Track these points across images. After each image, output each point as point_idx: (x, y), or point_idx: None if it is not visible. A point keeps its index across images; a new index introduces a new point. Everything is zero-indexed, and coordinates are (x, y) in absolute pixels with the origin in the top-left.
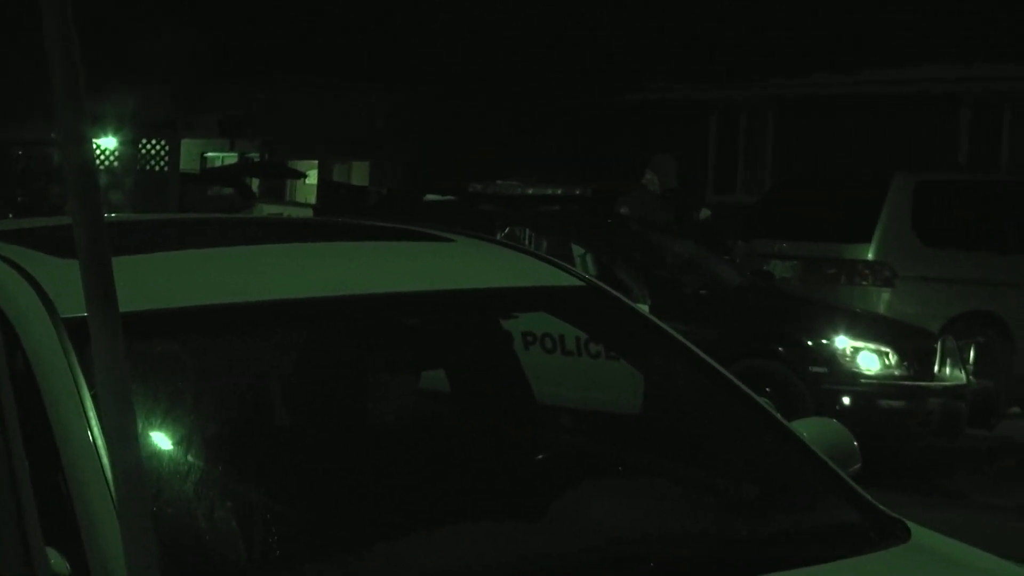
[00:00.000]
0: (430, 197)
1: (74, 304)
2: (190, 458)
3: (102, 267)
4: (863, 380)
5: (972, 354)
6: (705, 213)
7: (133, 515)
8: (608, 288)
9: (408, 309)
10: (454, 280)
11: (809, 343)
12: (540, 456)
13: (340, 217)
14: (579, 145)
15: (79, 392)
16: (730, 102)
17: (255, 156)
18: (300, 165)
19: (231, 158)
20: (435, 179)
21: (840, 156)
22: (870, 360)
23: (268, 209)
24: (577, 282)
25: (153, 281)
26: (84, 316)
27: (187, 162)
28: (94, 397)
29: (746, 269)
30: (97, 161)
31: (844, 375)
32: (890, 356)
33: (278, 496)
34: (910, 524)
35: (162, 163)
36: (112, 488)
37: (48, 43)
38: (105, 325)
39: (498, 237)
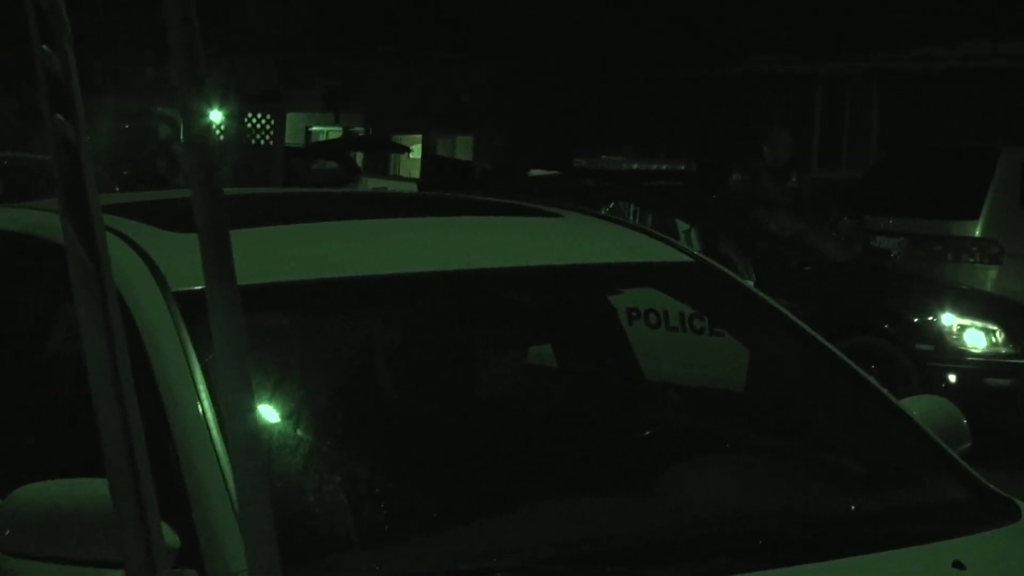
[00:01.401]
0: (535, 172)
1: (185, 277)
2: (299, 432)
3: (221, 242)
4: (970, 358)
5: None
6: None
7: (250, 491)
8: (715, 263)
9: (516, 284)
10: (562, 255)
11: (915, 320)
12: (646, 432)
13: (445, 191)
14: (681, 120)
15: (190, 366)
16: (835, 75)
17: (359, 130)
18: (404, 139)
19: (336, 132)
20: (540, 154)
21: (947, 130)
22: (977, 338)
23: (372, 183)
24: (685, 258)
25: (264, 255)
26: (195, 289)
27: (292, 136)
28: (204, 371)
29: (858, 246)
30: None
31: (950, 353)
32: (997, 334)
33: (386, 471)
34: (1020, 503)
35: (267, 137)
36: (223, 463)
37: (165, 13)
38: (224, 300)
39: (602, 212)
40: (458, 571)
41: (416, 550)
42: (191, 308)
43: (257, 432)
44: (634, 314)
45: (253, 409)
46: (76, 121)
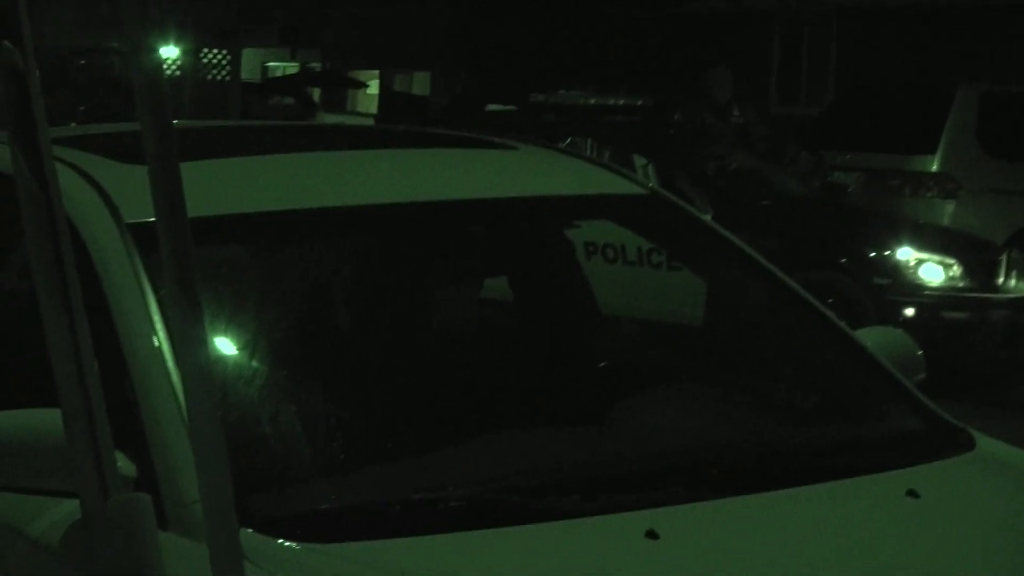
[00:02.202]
0: (492, 107)
1: (139, 209)
2: (254, 363)
3: (170, 172)
4: (927, 292)
5: None
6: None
7: (202, 420)
8: (671, 196)
9: (472, 216)
10: (518, 187)
11: (872, 254)
12: (601, 364)
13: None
14: (640, 56)
15: (144, 298)
16: (793, 12)
17: (316, 66)
18: (361, 75)
19: (292, 68)
20: (496, 89)
21: (905, 67)
22: (934, 272)
23: (330, 119)
24: (640, 190)
25: (218, 187)
26: (149, 221)
27: (249, 72)
28: (159, 302)
29: (815, 181)
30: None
31: (908, 287)
32: (954, 268)
33: (341, 402)
34: (975, 433)
35: (224, 73)
36: (178, 394)
37: None
38: (173, 230)
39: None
40: (413, 500)
41: (371, 479)
42: (145, 240)
43: (209, 363)
44: (591, 248)
45: (205, 340)
46: (24, 48)
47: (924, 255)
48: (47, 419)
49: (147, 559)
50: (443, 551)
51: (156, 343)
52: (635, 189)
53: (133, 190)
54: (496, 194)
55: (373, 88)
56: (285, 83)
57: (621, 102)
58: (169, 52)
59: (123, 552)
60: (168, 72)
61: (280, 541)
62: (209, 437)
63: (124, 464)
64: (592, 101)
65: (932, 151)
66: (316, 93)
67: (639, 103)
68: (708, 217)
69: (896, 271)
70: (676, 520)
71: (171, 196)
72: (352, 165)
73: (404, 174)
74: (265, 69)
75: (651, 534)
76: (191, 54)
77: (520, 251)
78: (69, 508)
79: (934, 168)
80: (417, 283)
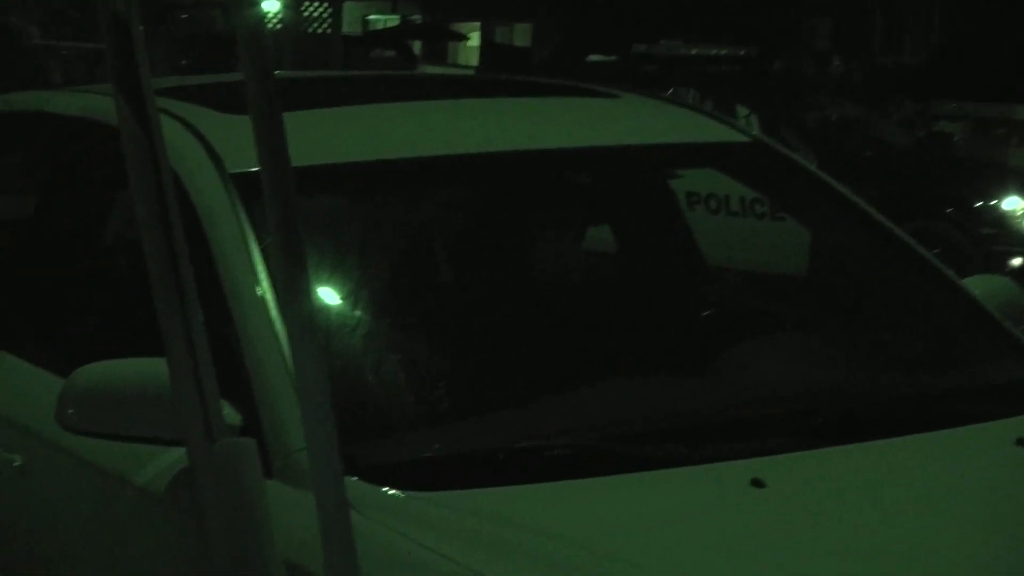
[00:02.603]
0: (593, 58)
1: (241, 159)
2: (358, 313)
3: (273, 122)
4: None
5: None
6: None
7: (308, 369)
8: (776, 144)
9: (575, 165)
10: (621, 136)
11: (978, 204)
12: (706, 313)
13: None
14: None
15: (248, 248)
16: None
17: (417, 19)
18: (462, 27)
19: (393, 20)
20: (597, 40)
21: (1013, 13)
22: None
23: (430, 71)
24: (745, 138)
25: (320, 136)
26: (251, 171)
27: (349, 25)
28: (262, 252)
29: (920, 130)
30: None
31: (1014, 236)
32: None
33: (444, 351)
34: None
35: (325, 26)
36: (282, 343)
37: None
38: (277, 179)
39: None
40: (516, 448)
41: (474, 428)
42: (247, 190)
43: (313, 312)
44: (694, 199)
45: (309, 290)
46: None
47: None
48: (155, 368)
49: (253, 503)
50: (546, 500)
51: (260, 292)
52: (740, 137)
53: (235, 140)
54: (599, 142)
55: (473, 40)
56: (386, 36)
57: (723, 52)
58: (270, 6)
59: (229, 497)
60: (269, 26)
61: (384, 489)
62: (315, 386)
63: (229, 413)
64: (694, 51)
65: None
66: (417, 45)
67: (741, 53)
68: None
69: (1002, 221)
70: (782, 468)
71: (274, 146)
72: (454, 114)
73: (506, 123)
74: (366, 22)
75: (756, 482)
76: (292, 7)
77: (623, 200)
78: (173, 457)
79: None
80: (520, 232)
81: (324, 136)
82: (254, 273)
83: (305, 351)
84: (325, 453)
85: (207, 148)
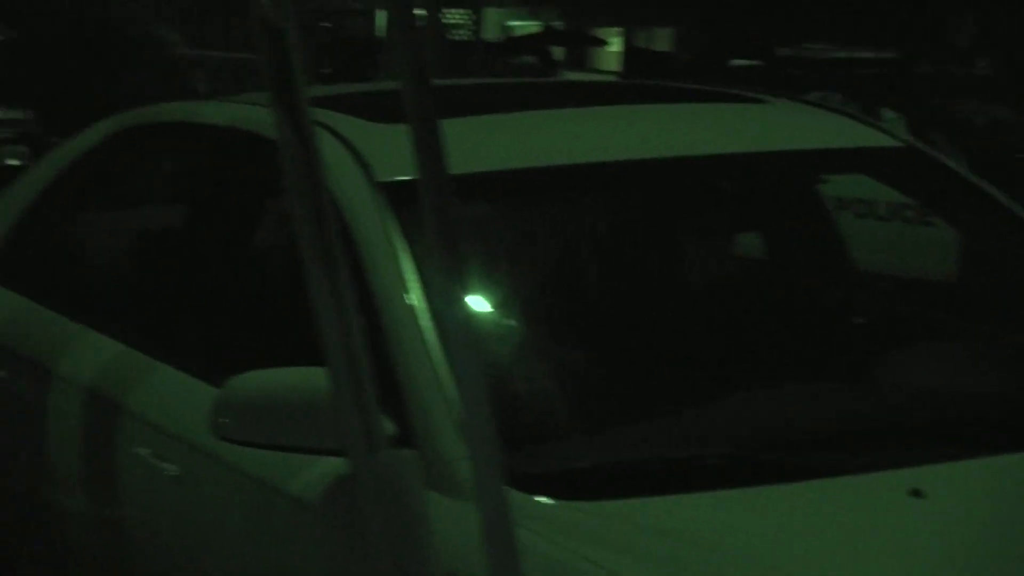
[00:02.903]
0: (736, 62)
1: (390, 168)
2: (508, 321)
3: (431, 131)
4: None
5: None
6: None
7: (468, 379)
8: (929, 149)
9: (724, 171)
10: (770, 141)
11: None
12: (858, 320)
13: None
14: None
15: (397, 256)
16: None
17: (558, 25)
18: (602, 33)
19: (534, 27)
20: (740, 44)
21: None
22: None
23: (571, 77)
24: (897, 143)
25: (469, 144)
26: (400, 180)
27: (490, 31)
28: (412, 260)
29: None
30: None
31: None
32: None
33: (595, 359)
34: None
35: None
36: (433, 352)
37: None
38: (435, 189)
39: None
40: (670, 458)
41: (626, 437)
42: (396, 198)
43: (472, 323)
44: (841, 203)
45: (466, 299)
46: (282, 5)
47: None
48: (309, 377)
49: (416, 516)
50: (700, 509)
51: (410, 301)
52: (891, 142)
53: (384, 149)
54: (747, 148)
55: (614, 45)
56: (527, 41)
57: (868, 55)
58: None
59: (391, 509)
60: None
61: (538, 498)
62: (475, 397)
63: (383, 422)
64: (839, 54)
65: None
66: (558, 51)
67: (887, 56)
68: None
69: None
70: (942, 478)
71: (433, 154)
72: (602, 121)
73: (655, 129)
74: (507, 28)
75: (916, 492)
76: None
77: (773, 206)
78: (327, 466)
79: None
80: (669, 240)
81: (478, 144)
82: (404, 281)
83: (465, 361)
84: (487, 465)
85: (356, 157)
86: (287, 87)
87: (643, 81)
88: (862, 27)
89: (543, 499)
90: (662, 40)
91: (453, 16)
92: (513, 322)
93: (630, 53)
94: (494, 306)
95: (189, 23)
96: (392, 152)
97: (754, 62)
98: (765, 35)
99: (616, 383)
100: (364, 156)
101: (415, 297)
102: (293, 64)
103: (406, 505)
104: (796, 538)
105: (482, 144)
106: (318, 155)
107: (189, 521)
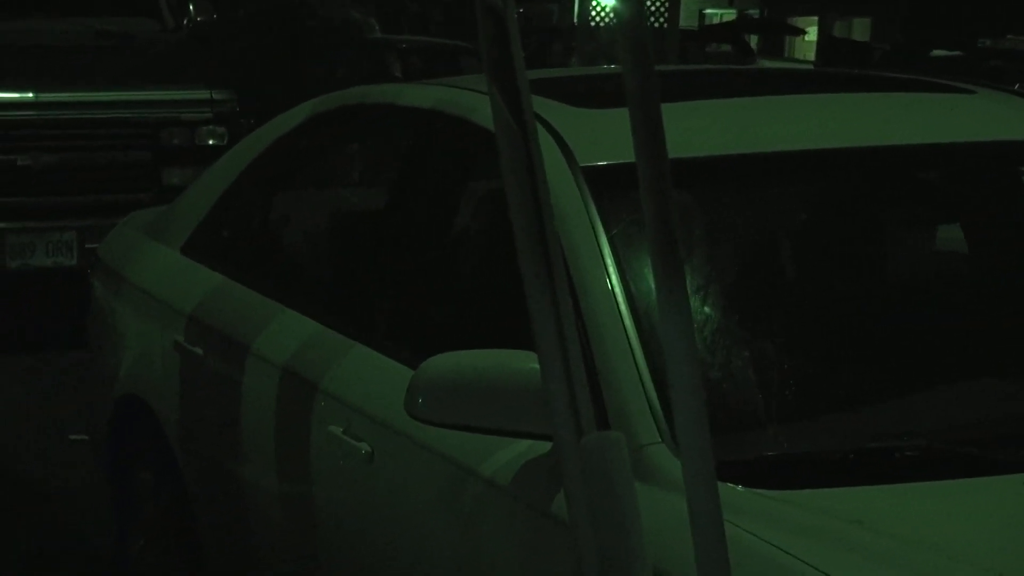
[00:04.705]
0: (936, 53)
1: (592, 152)
2: (707, 309)
3: (653, 117)
4: None
5: None
6: None
7: (684, 370)
8: None
9: (929, 161)
10: (977, 132)
11: None
12: None
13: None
14: None
15: (598, 239)
16: None
17: (754, 12)
18: (799, 21)
19: (730, 15)
20: (939, 34)
21: None
22: None
23: (767, 66)
24: None
25: (688, 129)
26: (602, 164)
27: (685, 19)
28: (612, 245)
29: None
30: (598, 18)
31: None
32: None
33: (793, 349)
34: None
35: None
36: (631, 337)
37: None
38: (655, 175)
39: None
40: (867, 449)
41: (824, 428)
42: (598, 183)
43: (691, 316)
44: None
45: (686, 287)
46: None
47: None
48: (504, 360)
49: (624, 499)
50: (897, 501)
51: (609, 286)
52: None
53: (586, 133)
54: (955, 138)
55: (811, 35)
56: (722, 30)
57: None
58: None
59: (598, 492)
60: (607, 20)
61: (733, 486)
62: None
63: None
64: None
65: None
66: (753, 40)
67: None
68: None
69: None
70: None
71: (653, 139)
72: (802, 109)
73: (857, 118)
74: (702, 16)
75: None
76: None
77: (976, 198)
78: (519, 449)
79: None
80: (870, 230)
81: (691, 129)
82: (604, 266)
83: (682, 353)
84: (699, 454)
85: (559, 141)
86: (506, 70)
87: (845, 70)
88: None
89: (738, 487)
90: (860, 29)
91: (648, 3)
92: (711, 311)
93: (827, 42)
94: (693, 294)
95: (384, 7)
96: (593, 137)
97: (954, 52)
98: (967, 25)
99: (814, 373)
100: (567, 140)
101: (614, 282)
102: (513, 48)
103: (614, 491)
104: (994, 533)
105: (680, 131)
106: (536, 139)
107: (379, 499)
